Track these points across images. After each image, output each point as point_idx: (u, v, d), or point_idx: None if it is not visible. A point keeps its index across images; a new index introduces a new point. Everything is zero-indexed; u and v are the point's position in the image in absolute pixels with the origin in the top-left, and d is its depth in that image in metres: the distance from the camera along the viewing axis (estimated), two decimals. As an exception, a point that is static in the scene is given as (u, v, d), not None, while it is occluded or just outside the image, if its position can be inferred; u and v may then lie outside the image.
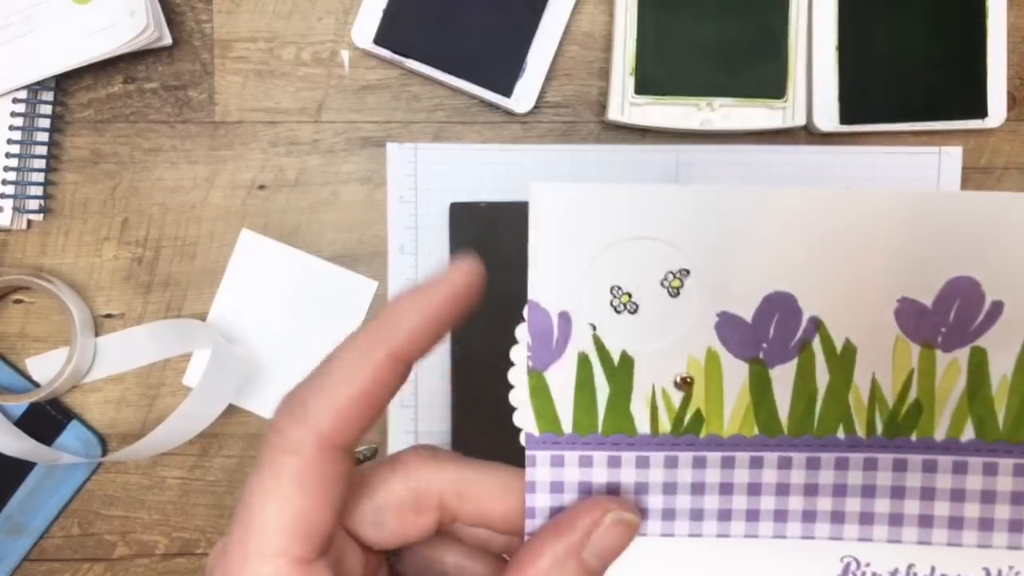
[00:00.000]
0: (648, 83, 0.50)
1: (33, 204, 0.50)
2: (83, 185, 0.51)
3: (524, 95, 0.50)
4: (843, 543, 0.25)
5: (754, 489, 0.25)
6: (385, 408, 0.23)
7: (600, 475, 0.25)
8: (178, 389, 0.52)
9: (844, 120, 0.50)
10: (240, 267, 0.52)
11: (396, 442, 0.52)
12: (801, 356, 0.24)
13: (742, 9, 0.50)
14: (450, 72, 0.50)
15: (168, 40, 0.50)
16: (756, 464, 0.25)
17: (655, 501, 0.25)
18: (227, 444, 0.52)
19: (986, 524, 0.24)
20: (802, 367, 0.24)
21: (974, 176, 0.52)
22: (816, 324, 0.24)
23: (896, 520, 0.25)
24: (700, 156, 0.51)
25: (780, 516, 0.25)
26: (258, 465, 0.22)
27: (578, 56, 0.52)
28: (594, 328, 0.24)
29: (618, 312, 0.24)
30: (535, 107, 0.51)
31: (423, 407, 0.52)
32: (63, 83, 0.51)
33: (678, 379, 0.24)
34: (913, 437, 0.24)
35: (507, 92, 0.50)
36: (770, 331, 0.24)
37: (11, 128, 0.49)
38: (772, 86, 0.50)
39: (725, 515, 0.25)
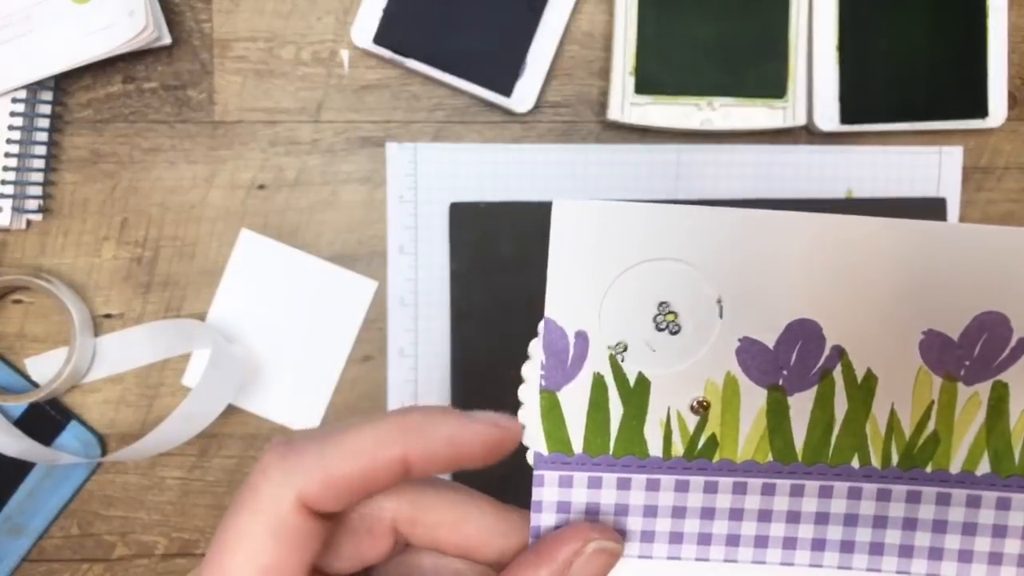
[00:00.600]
0: (648, 83, 0.50)
1: (32, 204, 0.50)
2: (82, 185, 0.51)
3: (524, 95, 0.50)
4: (851, 572, 0.25)
5: (764, 516, 0.25)
6: (370, 497, 0.23)
7: (609, 497, 0.24)
8: (177, 389, 0.52)
9: (845, 120, 0.50)
10: (239, 267, 0.52)
11: (396, 442, 0.52)
12: (821, 384, 0.24)
13: (743, 9, 0.50)
14: (450, 72, 0.50)
15: (167, 40, 0.50)
16: (768, 491, 0.24)
17: (663, 524, 0.25)
18: (226, 444, 0.52)
19: (995, 559, 0.24)
20: (821, 395, 0.24)
21: (975, 176, 0.52)
22: (839, 353, 0.24)
23: (906, 552, 0.25)
24: (700, 156, 0.51)
25: (789, 543, 0.25)
26: (238, 501, 0.22)
27: (578, 56, 0.52)
28: (613, 349, 0.24)
29: (660, 330, 0.24)
30: (535, 107, 0.50)
31: (423, 407, 0.52)
32: (62, 83, 0.51)
33: (694, 403, 0.24)
34: (928, 469, 0.24)
35: (507, 92, 0.50)
36: (792, 358, 0.24)
37: (10, 128, 0.49)
38: (773, 86, 0.50)
39: (734, 540, 0.25)
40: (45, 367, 0.51)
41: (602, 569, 0.23)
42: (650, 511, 0.25)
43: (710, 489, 0.24)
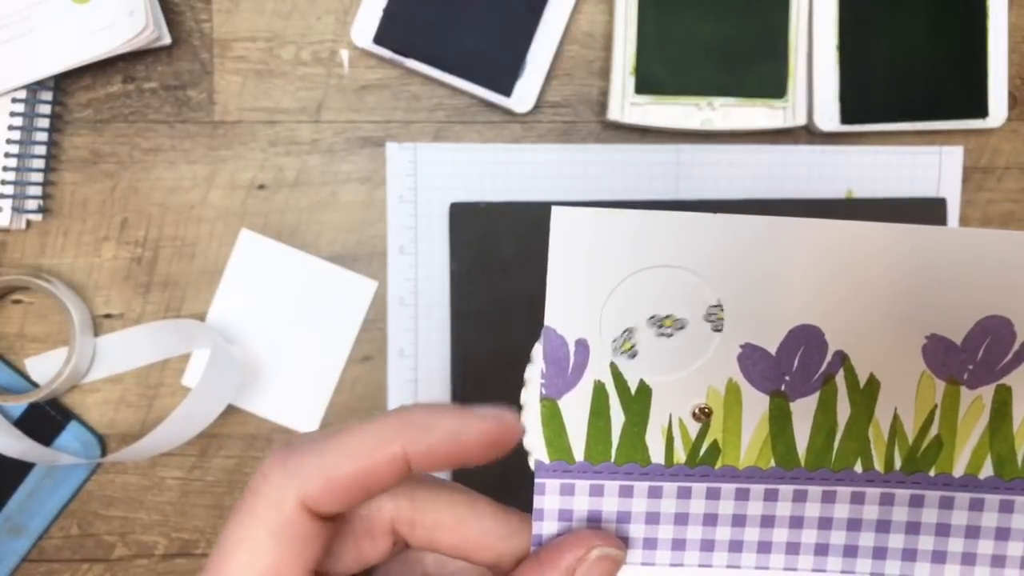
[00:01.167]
0: (648, 83, 0.50)
1: (32, 204, 0.50)
2: (82, 185, 0.51)
3: (524, 95, 0.50)
4: None
5: (767, 521, 0.25)
6: (373, 496, 0.23)
7: (611, 504, 0.24)
8: (177, 389, 0.52)
9: (845, 120, 0.50)
10: (239, 267, 0.52)
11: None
12: (824, 390, 0.24)
13: (743, 8, 0.50)
14: (450, 72, 0.50)
15: (167, 40, 0.50)
16: (771, 497, 0.24)
17: (666, 531, 0.25)
18: (226, 445, 0.52)
19: (998, 561, 0.24)
20: (824, 401, 0.24)
21: (975, 176, 0.52)
22: (841, 358, 0.24)
23: (909, 555, 0.25)
24: (700, 156, 0.51)
25: (792, 549, 0.25)
26: (240, 505, 0.22)
27: (578, 56, 0.51)
28: (615, 357, 0.24)
29: (661, 337, 0.24)
30: (535, 107, 0.50)
31: (423, 407, 0.52)
32: (62, 83, 0.51)
33: (696, 410, 0.24)
34: (931, 473, 0.24)
35: (507, 92, 0.50)
36: (794, 364, 0.24)
37: (10, 128, 0.49)
38: (773, 86, 0.50)
39: (736, 546, 0.25)
40: (45, 367, 0.51)
41: None
42: (652, 518, 0.25)
43: (712, 495, 0.24)
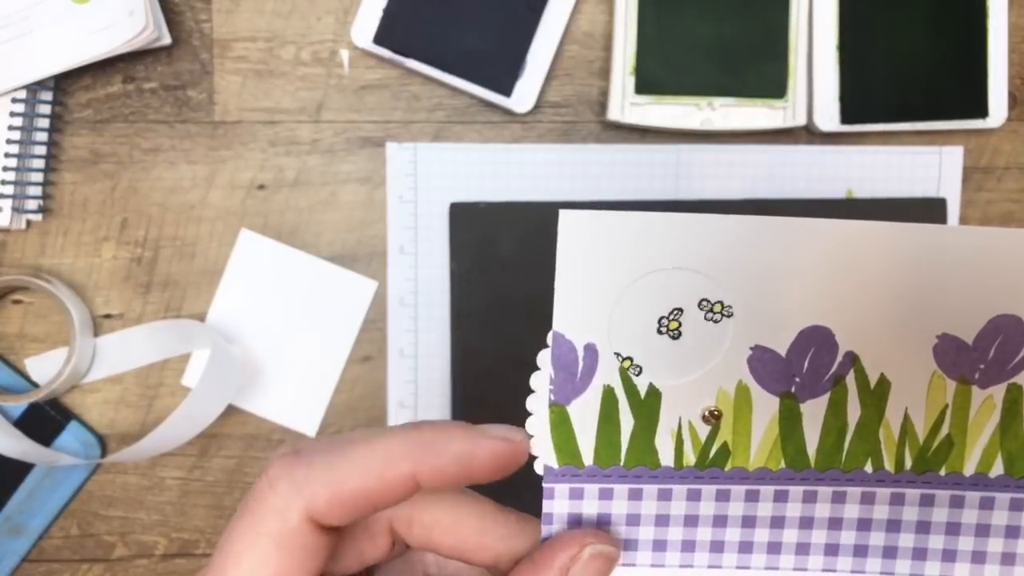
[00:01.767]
0: (648, 83, 0.50)
1: (32, 204, 0.50)
2: (82, 185, 0.51)
3: (524, 95, 0.50)
4: None
5: (777, 522, 0.25)
6: (379, 511, 0.23)
7: (620, 507, 0.24)
8: (177, 389, 0.52)
9: (845, 120, 0.50)
10: (239, 267, 0.52)
11: (396, 442, 0.52)
12: (834, 391, 0.24)
13: (743, 8, 0.50)
14: (450, 72, 0.50)
15: (167, 40, 0.50)
16: (781, 498, 0.25)
17: (676, 533, 0.25)
18: (226, 445, 0.52)
19: (1008, 559, 0.25)
20: (834, 402, 0.24)
21: (975, 176, 0.52)
22: (852, 359, 0.23)
23: (920, 555, 0.25)
24: (700, 156, 0.51)
25: (802, 549, 0.25)
26: (244, 511, 0.22)
27: (578, 56, 0.51)
28: (624, 361, 0.23)
29: (671, 340, 0.23)
30: (535, 107, 0.50)
31: (423, 408, 0.52)
32: (62, 83, 0.51)
33: (706, 412, 0.24)
34: (942, 472, 0.24)
35: (507, 92, 0.50)
36: (804, 365, 0.24)
37: (10, 128, 0.49)
38: (773, 86, 0.50)
39: (746, 547, 0.25)
40: (45, 367, 0.51)
41: (599, 573, 0.23)
42: (662, 520, 0.25)
43: (722, 497, 0.24)
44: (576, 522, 0.24)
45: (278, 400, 0.52)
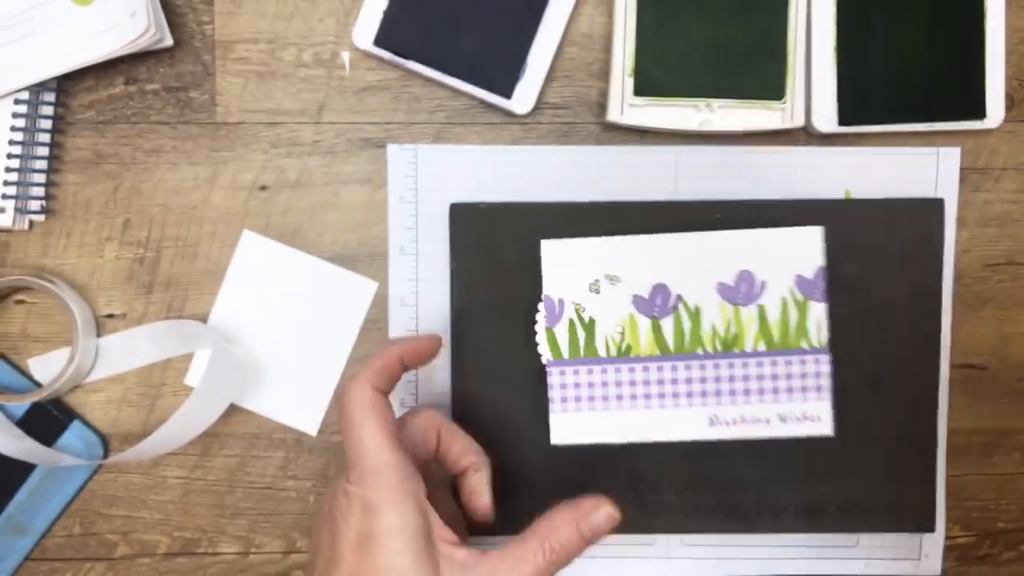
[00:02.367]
0: (647, 84, 0.50)
1: (35, 205, 0.50)
2: (85, 186, 0.51)
3: (524, 97, 0.50)
4: (707, 407, 0.49)
5: (659, 381, 0.49)
6: (395, 382, 0.43)
7: (582, 378, 0.49)
8: (180, 389, 0.52)
9: (843, 121, 0.51)
10: (241, 268, 0.52)
11: (397, 442, 0.52)
12: (675, 314, 0.49)
13: (741, 10, 0.50)
14: (450, 74, 0.50)
15: (169, 41, 0.50)
16: (659, 369, 0.49)
17: (609, 391, 0.49)
18: (228, 444, 0.53)
19: (775, 389, 0.49)
20: (676, 319, 0.49)
21: (972, 177, 0.53)
22: (679, 298, 0.49)
23: (733, 392, 0.49)
24: (699, 157, 0.52)
25: (675, 395, 0.49)
26: (349, 421, 0.40)
27: (578, 57, 0.52)
28: (576, 306, 0.49)
29: (591, 293, 0.49)
30: (535, 108, 0.51)
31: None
32: (64, 84, 0.51)
33: (617, 329, 0.49)
34: (736, 350, 0.49)
35: (507, 94, 0.50)
36: (657, 302, 0.49)
37: (12, 129, 0.49)
38: (771, 87, 0.50)
39: (646, 396, 0.49)
40: (48, 367, 0.52)
41: (605, 525, 0.41)
42: (603, 384, 0.49)
43: (631, 371, 0.49)
44: (564, 386, 0.49)
45: (280, 399, 0.52)
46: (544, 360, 0.49)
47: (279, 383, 0.52)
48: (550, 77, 0.51)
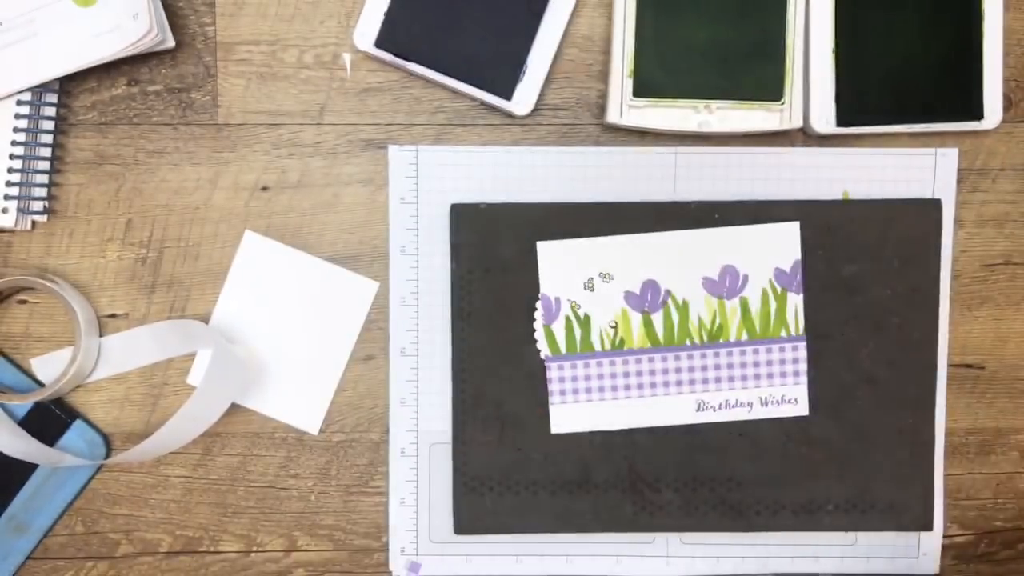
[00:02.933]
0: (646, 86, 0.50)
1: (37, 205, 0.51)
2: (87, 186, 0.52)
3: (524, 98, 0.51)
4: (695, 394, 0.52)
5: (650, 372, 0.52)
6: None
7: (578, 371, 0.52)
8: (181, 388, 0.53)
9: (841, 122, 0.51)
10: (243, 268, 0.52)
11: (397, 440, 0.53)
12: (664, 309, 0.52)
13: (740, 12, 0.50)
14: (451, 75, 0.50)
15: (171, 43, 0.50)
16: (650, 361, 0.52)
17: (604, 382, 0.52)
18: (230, 443, 0.53)
19: (757, 376, 0.52)
20: (666, 313, 0.52)
21: (969, 177, 0.53)
22: (668, 293, 0.51)
23: (718, 379, 0.52)
24: (698, 158, 0.52)
25: (665, 384, 0.52)
26: None
27: (577, 59, 0.52)
28: (572, 303, 0.52)
29: (586, 290, 0.51)
30: (535, 110, 0.51)
31: (424, 406, 0.53)
32: (67, 85, 0.51)
33: (610, 324, 0.52)
34: (721, 340, 0.52)
35: (507, 95, 0.50)
36: (648, 297, 0.51)
37: (15, 130, 0.50)
38: (769, 88, 0.50)
39: (638, 385, 0.52)
40: (50, 367, 0.52)
41: None
42: (598, 376, 0.52)
43: (624, 363, 0.52)
44: (562, 380, 0.51)
45: (281, 399, 0.52)
46: (543, 356, 0.51)
47: (280, 382, 0.52)
48: (550, 78, 0.51)
